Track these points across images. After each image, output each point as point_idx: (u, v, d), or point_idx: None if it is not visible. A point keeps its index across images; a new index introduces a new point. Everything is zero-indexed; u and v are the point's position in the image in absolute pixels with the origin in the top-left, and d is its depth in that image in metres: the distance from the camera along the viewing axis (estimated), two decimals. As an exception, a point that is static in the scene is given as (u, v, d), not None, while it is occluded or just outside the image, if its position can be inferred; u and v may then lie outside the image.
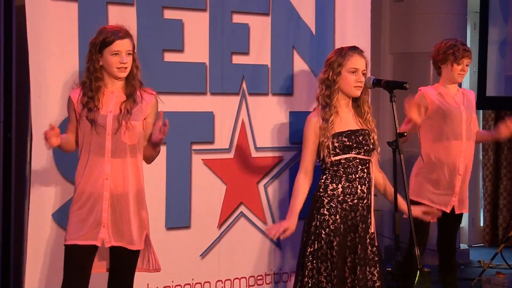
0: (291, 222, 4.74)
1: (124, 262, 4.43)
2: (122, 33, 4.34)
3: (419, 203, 5.52)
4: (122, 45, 4.32)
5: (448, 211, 5.63)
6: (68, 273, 4.34)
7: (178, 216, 5.24)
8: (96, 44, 4.32)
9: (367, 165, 4.81)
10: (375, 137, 4.85)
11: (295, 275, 4.92)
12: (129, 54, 4.35)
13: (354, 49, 4.84)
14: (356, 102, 4.88)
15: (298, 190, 4.83)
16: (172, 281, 5.22)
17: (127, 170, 4.36)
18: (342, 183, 4.77)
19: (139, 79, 4.43)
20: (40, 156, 4.69)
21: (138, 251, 4.44)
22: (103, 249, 4.43)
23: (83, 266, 4.34)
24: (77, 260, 4.33)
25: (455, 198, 5.63)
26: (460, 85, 5.87)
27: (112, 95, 4.37)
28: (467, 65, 5.68)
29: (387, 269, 4.50)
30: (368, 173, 4.82)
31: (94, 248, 4.36)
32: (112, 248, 4.39)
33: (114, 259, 4.44)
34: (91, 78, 4.33)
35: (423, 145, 5.70)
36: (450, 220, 5.70)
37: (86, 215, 4.32)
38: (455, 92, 5.70)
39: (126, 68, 4.35)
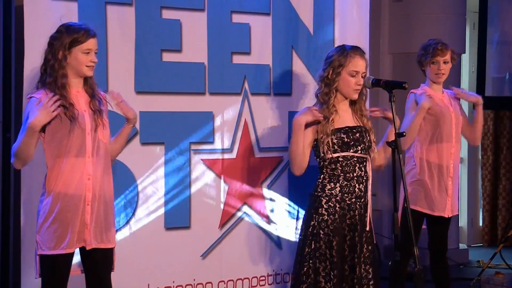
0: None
1: (101, 262, 4.34)
2: (92, 31, 4.29)
3: (419, 212, 5.53)
4: (93, 44, 4.28)
5: (446, 215, 5.62)
6: (49, 282, 4.24)
7: (178, 216, 5.23)
8: (65, 41, 4.22)
9: (365, 163, 4.81)
10: (372, 136, 4.85)
11: (292, 276, 4.91)
12: (96, 52, 4.31)
13: (356, 49, 4.79)
14: (354, 102, 4.86)
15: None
16: (173, 282, 5.21)
17: (105, 168, 4.31)
18: (340, 182, 4.76)
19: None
20: (36, 157, 4.62)
21: (112, 249, 4.35)
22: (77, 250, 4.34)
23: (65, 274, 4.27)
24: (59, 269, 4.24)
25: (449, 201, 5.62)
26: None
27: (78, 94, 4.29)
28: (445, 63, 5.60)
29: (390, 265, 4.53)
30: (366, 171, 4.81)
31: (73, 252, 4.27)
32: (90, 250, 4.29)
33: (90, 260, 4.33)
34: (56, 76, 4.22)
35: (416, 148, 5.67)
36: (441, 224, 5.69)
37: (68, 219, 4.20)
38: (441, 93, 5.69)
39: (93, 67, 4.30)
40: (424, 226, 5.74)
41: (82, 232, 4.23)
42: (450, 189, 5.61)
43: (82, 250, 4.31)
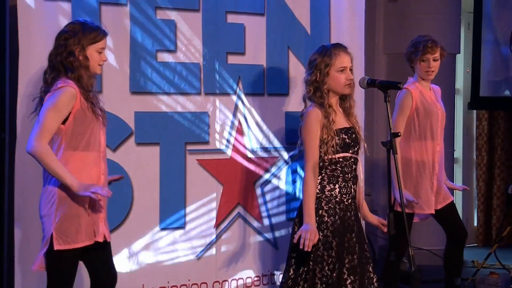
0: (315, 227, 4.67)
1: (106, 254, 4.38)
2: (104, 30, 4.32)
3: (407, 213, 5.51)
4: (105, 43, 4.33)
5: (433, 211, 5.63)
6: (60, 277, 4.24)
7: (173, 216, 5.22)
8: (82, 40, 4.21)
9: (357, 163, 4.81)
10: (360, 132, 4.84)
11: (282, 276, 4.87)
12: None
13: (339, 46, 4.78)
14: (342, 98, 4.83)
15: (312, 190, 4.70)
16: (168, 282, 5.21)
17: (106, 164, 4.37)
18: (339, 183, 4.74)
19: None
20: (24, 157, 4.58)
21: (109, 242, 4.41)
22: None
23: (76, 268, 4.28)
24: (74, 264, 4.26)
25: (432, 198, 5.63)
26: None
27: (92, 93, 4.31)
28: (435, 60, 5.60)
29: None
30: (356, 170, 4.82)
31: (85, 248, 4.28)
32: (99, 246, 4.32)
33: (104, 253, 4.35)
34: (80, 74, 4.20)
35: (402, 145, 5.63)
36: (446, 212, 5.71)
37: (87, 214, 4.22)
38: (428, 90, 5.69)
39: (102, 65, 4.36)
40: (416, 220, 5.76)
41: (98, 225, 4.27)
42: (435, 186, 5.63)
43: (95, 244, 4.30)
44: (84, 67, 4.23)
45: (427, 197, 5.62)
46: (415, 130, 5.60)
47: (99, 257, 4.36)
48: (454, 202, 5.87)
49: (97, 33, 4.26)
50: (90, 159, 4.24)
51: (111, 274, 4.40)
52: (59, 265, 4.22)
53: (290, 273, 4.76)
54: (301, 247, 4.58)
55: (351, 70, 4.75)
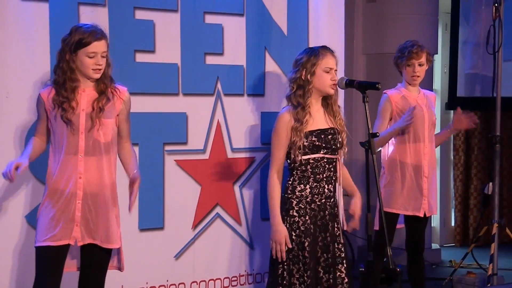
0: (284, 228, 4.76)
1: (96, 261, 4.40)
2: (99, 34, 4.29)
3: (392, 214, 5.57)
4: (98, 47, 4.28)
5: (421, 215, 5.65)
6: (40, 273, 4.31)
7: (151, 217, 5.22)
8: (71, 44, 4.26)
9: (334, 163, 4.84)
10: (344, 136, 4.87)
11: (267, 278, 4.93)
12: (103, 56, 4.31)
13: (326, 48, 4.87)
14: (326, 101, 4.89)
15: (277, 191, 4.81)
16: (147, 283, 5.20)
17: (102, 168, 4.34)
18: (310, 184, 4.78)
19: (110, 76, 4.39)
20: (8, 157, 4.61)
21: (111, 250, 4.41)
22: (74, 248, 4.39)
23: (55, 266, 4.31)
24: (49, 261, 4.29)
25: (425, 201, 5.65)
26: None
27: (84, 93, 4.33)
28: (420, 65, 5.63)
29: (360, 269, 4.54)
30: (335, 171, 4.84)
31: (66, 248, 4.32)
32: (83, 247, 4.36)
33: (85, 258, 4.40)
34: (65, 78, 4.27)
35: (391, 148, 5.71)
36: (418, 222, 5.73)
37: (59, 215, 4.28)
38: (417, 94, 5.72)
39: (100, 70, 4.31)
40: (401, 226, 5.77)
41: (71, 228, 4.28)
42: (426, 188, 5.64)
43: (82, 247, 4.35)
44: (71, 70, 4.26)
45: (415, 199, 5.64)
46: (401, 133, 5.63)
47: (85, 262, 4.40)
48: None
49: (85, 36, 4.25)
50: (67, 163, 4.29)
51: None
52: (37, 262, 4.32)
53: (273, 274, 4.81)
54: (274, 257, 4.75)
55: (335, 73, 4.81)
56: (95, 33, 4.27)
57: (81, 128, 4.29)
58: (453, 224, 9.54)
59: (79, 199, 4.29)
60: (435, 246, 9.01)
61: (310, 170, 4.78)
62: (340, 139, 4.84)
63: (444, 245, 9.29)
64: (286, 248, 4.74)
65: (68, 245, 4.32)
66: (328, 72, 4.79)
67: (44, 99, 4.32)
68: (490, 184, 7.06)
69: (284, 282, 4.77)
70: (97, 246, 4.35)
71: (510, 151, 9.73)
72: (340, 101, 5.69)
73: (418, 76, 5.66)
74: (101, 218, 4.34)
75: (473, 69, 8.89)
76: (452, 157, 9.48)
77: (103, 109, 4.32)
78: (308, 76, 4.79)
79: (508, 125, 9.60)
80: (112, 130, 4.38)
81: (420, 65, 5.63)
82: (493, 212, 7.02)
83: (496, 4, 6.84)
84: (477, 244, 7.52)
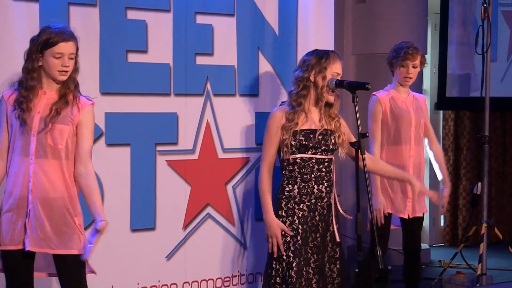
0: (277, 221, 4.79)
1: (67, 268, 4.27)
2: (67, 35, 4.19)
3: (385, 215, 5.65)
4: (65, 48, 4.18)
5: (406, 216, 5.69)
6: (8, 277, 4.28)
7: (143, 217, 5.21)
8: (38, 43, 4.17)
9: (326, 164, 4.84)
10: (338, 138, 4.87)
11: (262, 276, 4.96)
12: (71, 58, 4.21)
13: (335, 53, 4.90)
14: (328, 105, 4.90)
15: (267, 185, 4.85)
16: (138, 283, 5.19)
17: (53, 173, 4.20)
18: (297, 184, 4.80)
19: (76, 83, 4.28)
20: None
21: (78, 256, 4.23)
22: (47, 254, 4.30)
23: (21, 270, 4.26)
24: (14, 264, 4.25)
25: (409, 203, 5.69)
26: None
27: (44, 96, 4.23)
28: (414, 67, 5.68)
29: (355, 270, 4.56)
30: (327, 172, 4.85)
31: (24, 252, 4.22)
32: (55, 255, 4.25)
33: (57, 266, 4.29)
34: (27, 77, 4.20)
35: (381, 150, 5.75)
36: (411, 223, 5.77)
37: (15, 218, 4.21)
38: (405, 96, 5.76)
39: (67, 72, 4.20)
40: (395, 227, 5.82)
41: (22, 232, 4.20)
42: (410, 190, 5.66)
43: (54, 255, 4.27)
44: (34, 70, 4.20)
45: (401, 200, 5.68)
46: (388, 135, 5.68)
47: (57, 268, 4.31)
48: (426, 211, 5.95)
49: (52, 36, 4.17)
50: (19, 165, 4.21)
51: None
52: (4, 263, 4.30)
53: (264, 272, 4.87)
54: (270, 251, 4.77)
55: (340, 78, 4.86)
56: (63, 34, 4.18)
57: (33, 130, 4.18)
58: (442, 224, 9.55)
59: (30, 202, 4.18)
60: (424, 246, 9.00)
61: (297, 170, 4.80)
62: (333, 140, 4.85)
63: (434, 245, 9.31)
64: (286, 238, 4.74)
65: (30, 250, 4.22)
66: (336, 77, 4.83)
67: (6, 100, 4.24)
68: (479, 184, 7.09)
69: (272, 281, 4.79)
70: (68, 254, 4.22)
71: (499, 151, 9.76)
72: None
73: (410, 78, 5.69)
74: (54, 223, 4.20)
75: (462, 69, 8.92)
76: (441, 157, 9.49)
77: (59, 112, 4.20)
78: (319, 79, 4.81)
79: (496, 125, 9.63)
80: (67, 137, 4.21)
81: (414, 67, 5.68)
82: (482, 212, 7.05)
83: (485, 5, 6.87)
84: (466, 244, 7.55)
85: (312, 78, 4.82)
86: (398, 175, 5.22)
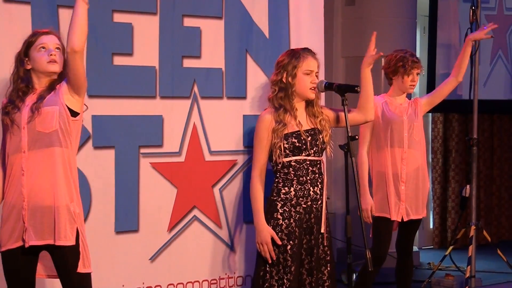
0: (268, 228, 4.78)
1: (64, 262, 4.28)
2: (46, 30, 4.30)
3: (383, 218, 5.70)
4: (47, 39, 4.26)
5: (399, 219, 5.72)
6: (9, 279, 4.29)
7: (127, 219, 5.19)
8: (21, 52, 4.26)
9: (318, 165, 4.84)
10: (326, 137, 4.87)
11: (252, 279, 4.94)
12: (57, 48, 4.27)
13: (307, 50, 4.87)
14: (310, 104, 4.89)
15: (260, 192, 4.84)
16: (123, 285, 5.18)
17: (48, 162, 4.19)
18: (294, 186, 4.78)
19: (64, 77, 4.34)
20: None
21: (73, 247, 4.25)
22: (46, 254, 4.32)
23: (22, 271, 4.27)
24: (15, 266, 4.26)
25: (402, 206, 5.71)
26: (410, 96, 5.97)
27: (36, 91, 4.28)
28: (417, 75, 5.79)
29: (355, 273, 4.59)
30: (320, 173, 4.85)
31: (26, 250, 4.23)
32: (50, 251, 4.27)
33: (55, 262, 4.30)
34: (16, 86, 4.26)
35: (370, 153, 5.80)
36: (407, 226, 5.82)
37: (15, 217, 4.22)
38: (401, 102, 5.80)
39: (56, 61, 4.24)
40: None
41: (21, 228, 4.21)
42: (403, 194, 5.69)
43: (50, 252, 4.28)
44: (23, 71, 4.25)
45: (394, 204, 5.70)
46: (379, 138, 5.71)
47: (55, 265, 4.33)
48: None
49: (31, 35, 4.29)
50: (14, 162, 4.23)
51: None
52: (5, 266, 4.31)
53: (254, 276, 4.87)
54: (262, 257, 4.79)
55: (317, 75, 4.82)
56: (41, 29, 4.29)
57: (22, 122, 4.19)
58: (431, 226, 9.57)
59: (24, 196, 4.18)
60: (414, 248, 9.01)
61: (292, 172, 4.78)
62: (322, 140, 4.84)
63: (423, 248, 9.32)
64: (275, 249, 4.73)
65: (32, 249, 4.23)
66: (308, 74, 4.79)
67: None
68: (468, 186, 7.11)
69: (266, 284, 4.77)
70: (60, 247, 4.22)
71: (487, 154, 9.78)
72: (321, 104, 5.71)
73: (414, 85, 5.82)
74: (49, 215, 4.19)
75: (450, 71, 8.92)
76: (430, 160, 9.51)
77: (43, 97, 4.22)
78: (289, 79, 4.79)
79: (485, 128, 9.65)
80: (57, 118, 4.20)
81: (418, 74, 5.79)
82: (470, 215, 7.06)
83: (473, 8, 6.89)
84: (455, 247, 7.55)
85: (284, 80, 4.81)
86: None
